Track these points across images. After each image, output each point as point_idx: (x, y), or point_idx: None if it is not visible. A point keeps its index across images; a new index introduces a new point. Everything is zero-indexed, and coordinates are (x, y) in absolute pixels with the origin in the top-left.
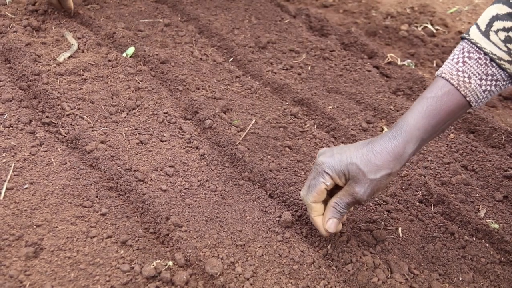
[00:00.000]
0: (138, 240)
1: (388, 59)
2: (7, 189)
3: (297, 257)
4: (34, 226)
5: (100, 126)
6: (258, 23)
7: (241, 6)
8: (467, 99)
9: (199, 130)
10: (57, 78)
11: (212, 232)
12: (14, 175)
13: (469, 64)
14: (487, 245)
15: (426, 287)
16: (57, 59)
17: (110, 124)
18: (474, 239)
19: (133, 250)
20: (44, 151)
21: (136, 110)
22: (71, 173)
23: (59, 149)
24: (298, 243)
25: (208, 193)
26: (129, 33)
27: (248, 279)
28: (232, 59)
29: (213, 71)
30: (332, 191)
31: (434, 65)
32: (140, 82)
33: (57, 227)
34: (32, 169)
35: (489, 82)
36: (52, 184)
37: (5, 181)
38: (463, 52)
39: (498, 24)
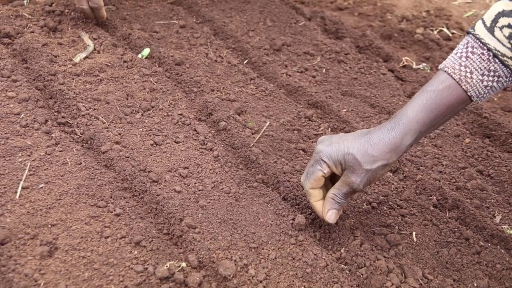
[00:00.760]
0: (152, 241)
1: (403, 62)
2: (22, 188)
3: (310, 260)
4: (49, 226)
5: (115, 126)
6: (273, 26)
7: (256, 8)
8: (468, 94)
9: (213, 131)
10: (73, 79)
11: (226, 234)
12: (30, 175)
13: (472, 59)
14: (502, 251)
15: None
16: (73, 60)
17: (125, 125)
18: (489, 244)
19: (147, 251)
20: (60, 151)
21: (151, 111)
22: (86, 173)
23: (74, 149)
24: (311, 246)
25: (221, 195)
26: (145, 34)
27: (261, 282)
28: (246, 61)
29: (227, 73)
30: (333, 177)
31: None
32: (155, 83)
33: (71, 226)
34: (47, 168)
35: (491, 78)
36: (67, 184)
37: (20, 180)
38: (467, 47)
39: (503, 21)
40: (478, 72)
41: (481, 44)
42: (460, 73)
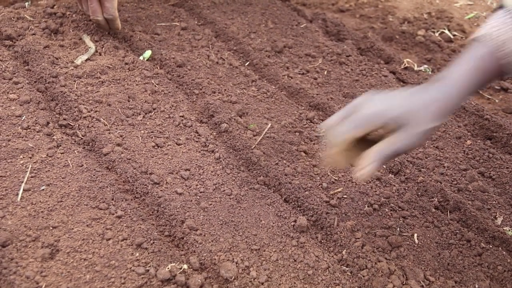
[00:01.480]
0: (153, 243)
1: (405, 64)
2: (24, 190)
3: (312, 262)
4: (51, 228)
5: (116, 128)
6: (275, 28)
7: (257, 10)
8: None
9: (215, 133)
10: (75, 81)
11: (227, 236)
12: (31, 177)
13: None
14: (504, 253)
15: None
16: (75, 62)
17: (126, 127)
18: (491, 246)
19: (148, 253)
20: (61, 153)
21: (153, 113)
22: (88, 175)
23: (75, 151)
24: (313, 248)
25: (223, 196)
26: (146, 36)
27: (262, 284)
28: (248, 63)
29: (229, 75)
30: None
31: None
32: (157, 85)
33: (73, 228)
34: (49, 170)
35: None
36: (69, 186)
37: (22, 182)
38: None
39: None
40: None
41: None
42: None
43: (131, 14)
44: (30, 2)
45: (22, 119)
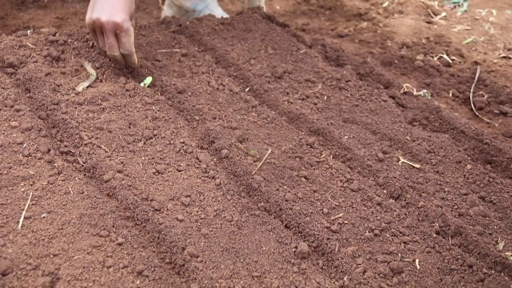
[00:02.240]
0: (154, 270)
1: (404, 89)
2: (25, 218)
3: None
4: (51, 256)
5: (117, 155)
6: (274, 53)
7: (257, 36)
8: None
9: (215, 159)
10: (76, 108)
11: (228, 262)
12: (32, 204)
13: None
14: (506, 278)
15: None
16: (76, 89)
17: (127, 154)
18: (493, 272)
19: (149, 281)
20: (62, 180)
21: (153, 139)
22: (88, 202)
23: (76, 178)
24: (314, 274)
25: (224, 223)
26: (147, 63)
27: None
28: (248, 89)
29: (229, 100)
30: None
31: (450, 95)
32: (157, 112)
33: (73, 256)
34: (50, 198)
35: None
36: (70, 213)
37: (23, 210)
38: None
39: None
40: None
41: None
42: None
43: None
44: (32, 30)
45: (24, 146)
